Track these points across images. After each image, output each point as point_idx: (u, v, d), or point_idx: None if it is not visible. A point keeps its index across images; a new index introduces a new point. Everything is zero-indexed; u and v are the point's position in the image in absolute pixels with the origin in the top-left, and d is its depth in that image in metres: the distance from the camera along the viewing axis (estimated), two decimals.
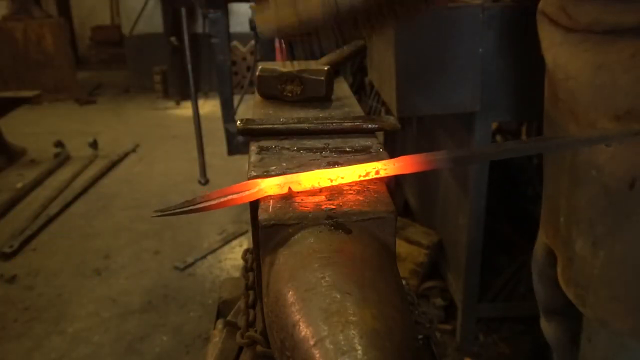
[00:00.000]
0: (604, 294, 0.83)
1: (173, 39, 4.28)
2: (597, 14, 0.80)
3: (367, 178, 0.51)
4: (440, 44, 1.40)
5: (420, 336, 0.88)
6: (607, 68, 0.81)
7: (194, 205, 0.49)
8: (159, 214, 0.50)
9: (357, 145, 0.61)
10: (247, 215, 0.55)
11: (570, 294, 0.90)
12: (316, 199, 0.50)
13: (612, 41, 0.80)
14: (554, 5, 0.91)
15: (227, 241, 2.71)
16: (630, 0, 0.76)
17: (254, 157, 0.59)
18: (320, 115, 0.71)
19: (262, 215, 0.48)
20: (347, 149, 0.60)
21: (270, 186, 0.50)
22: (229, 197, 0.49)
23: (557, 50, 0.91)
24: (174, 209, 0.49)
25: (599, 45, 0.82)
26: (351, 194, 0.51)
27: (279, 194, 0.51)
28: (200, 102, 3.13)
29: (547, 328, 1.28)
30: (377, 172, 0.51)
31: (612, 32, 0.79)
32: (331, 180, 0.50)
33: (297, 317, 0.38)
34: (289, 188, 0.50)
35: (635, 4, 0.75)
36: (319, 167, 0.56)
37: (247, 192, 0.50)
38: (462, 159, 0.56)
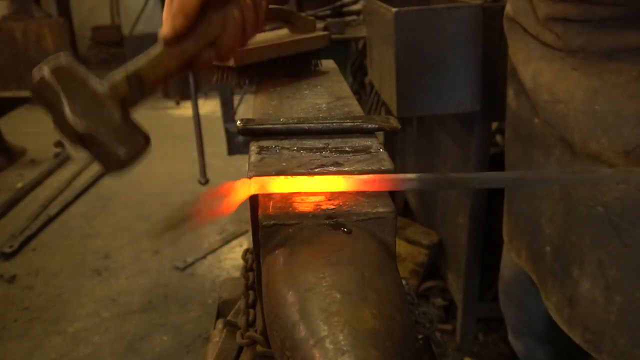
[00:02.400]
0: (626, 342, 0.77)
1: None
2: (591, 35, 0.71)
3: (338, 190, 0.51)
4: (440, 44, 1.40)
5: (420, 336, 0.88)
6: (606, 93, 0.71)
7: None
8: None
9: (357, 145, 0.61)
10: (247, 215, 0.55)
11: (577, 336, 0.84)
12: (316, 198, 0.50)
13: (606, 59, 0.71)
14: (531, 19, 0.81)
15: (227, 241, 2.71)
16: (628, 21, 0.68)
17: (254, 157, 0.59)
18: (320, 115, 0.71)
19: (262, 215, 0.48)
20: (347, 149, 0.60)
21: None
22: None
23: (537, 65, 0.81)
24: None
25: (590, 64, 0.73)
26: (351, 193, 0.51)
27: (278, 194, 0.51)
28: (200, 102, 3.12)
29: (517, 346, 1.23)
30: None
31: (607, 52, 0.71)
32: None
33: (297, 317, 0.38)
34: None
35: (636, 25, 0.67)
36: (319, 166, 0.56)
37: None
38: (431, 182, 0.53)
